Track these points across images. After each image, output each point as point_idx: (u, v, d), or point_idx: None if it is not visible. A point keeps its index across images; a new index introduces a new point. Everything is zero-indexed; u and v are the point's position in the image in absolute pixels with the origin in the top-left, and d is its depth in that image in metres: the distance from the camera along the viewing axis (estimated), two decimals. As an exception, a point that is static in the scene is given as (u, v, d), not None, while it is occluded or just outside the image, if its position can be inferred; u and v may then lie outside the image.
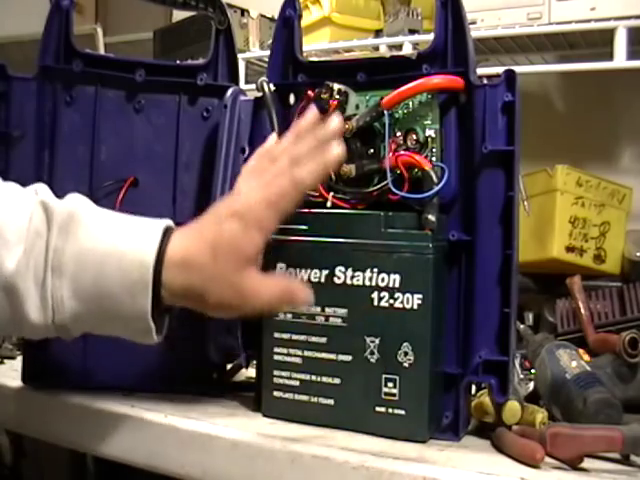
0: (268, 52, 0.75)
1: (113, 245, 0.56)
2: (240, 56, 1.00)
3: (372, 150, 0.67)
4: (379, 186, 0.65)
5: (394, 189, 0.63)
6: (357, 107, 0.68)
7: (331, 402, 0.64)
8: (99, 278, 0.56)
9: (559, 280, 0.90)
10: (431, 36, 0.65)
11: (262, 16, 1.25)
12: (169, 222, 0.58)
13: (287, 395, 0.65)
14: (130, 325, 0.57)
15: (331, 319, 0.64)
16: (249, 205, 0.57)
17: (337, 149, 0.58)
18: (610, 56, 0.92)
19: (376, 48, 1.14)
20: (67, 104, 0.74)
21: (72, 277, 0.56)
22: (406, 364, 0.61)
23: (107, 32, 1.49)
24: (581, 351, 0.73)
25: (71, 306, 0.56)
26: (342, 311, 0.63)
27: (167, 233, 0.57)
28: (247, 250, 0.56)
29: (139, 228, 0.58)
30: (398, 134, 0.66)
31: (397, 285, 0.61)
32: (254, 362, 0.71)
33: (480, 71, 0.66)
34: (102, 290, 0.56)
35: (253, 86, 0.72)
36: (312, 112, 0.60)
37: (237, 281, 0.56)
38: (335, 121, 0.59)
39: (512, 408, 0.62)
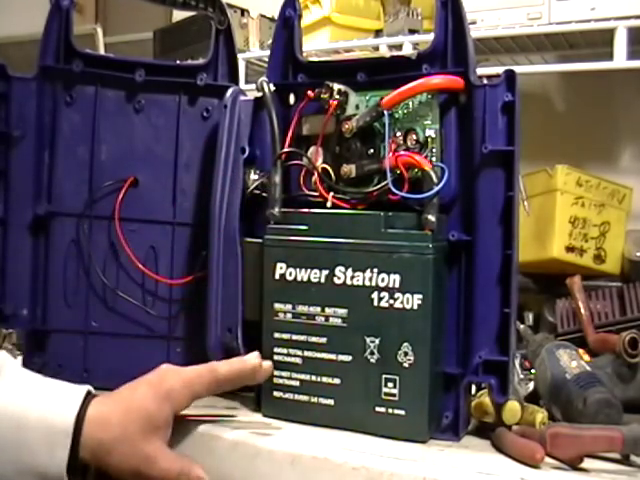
0: (268, 52, 0.75)
1: (36, 401, 0.58)
2: (240, 56, 1.00)
3: (372, 150, 0.67)
4: (379, 186, 0.65)
5: (394, 189, 0.63)
6: (357, 107, 0.68)
7: (331, 402, 0.64)
8: (19, 430, 0.56)
9: (559, 280, 0.90)
10: (431, 36, 0.65)
11: (262, 16, 1.25)
12: (89, 387, 0.60)
13: (287, 395, 0.65)
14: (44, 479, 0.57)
15: (331, 319, 0.64)
16: (163, 377, 0.60)
17: (253, 360, 0.62)
18: (610, 56, 0.92)
19: (376, 48, 1.14)
20: (67, 104, 0.74)
21: None
22: (406, 364, 0.61)
23: (107, 32, 1.49)
24: (581, 351, 0.73)
25: None
26: (342, 311, 0.63)
27: (88, 396, 0.59)
28: (156, 418, 0.59)
29: (63, 390, 0.59)
30: (398, 134, 0.66)
31: (397, 285, 0.61)
32: (254, 362, 0.71)
33: (480, 71, 0.66)
34: (21, 442, 0.56)
35: (253, 86, 0.72)
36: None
37: (141, 445, 0.58)
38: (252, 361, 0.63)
39: (512, 408, 0.62)
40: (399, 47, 1.09)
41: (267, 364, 0.64)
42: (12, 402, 0.57)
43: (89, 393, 0.60)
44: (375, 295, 0.62)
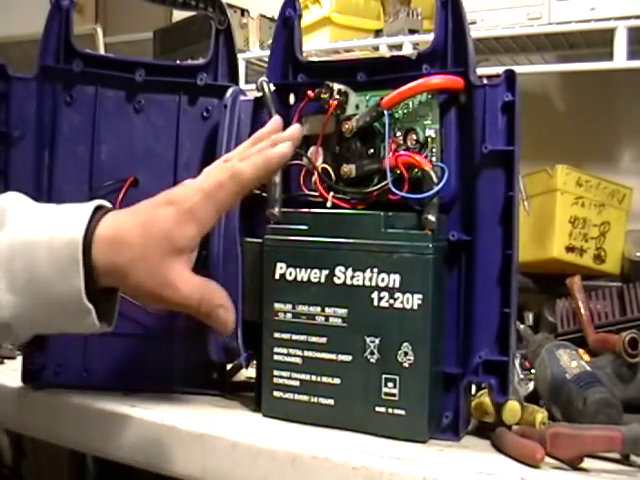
0: (268, 52, 0.75)
1: (43, 231, 0.54)
2: (240, 56, 1.00)
3: (372, 150, 0.67)
4: (379, 186, 0.65)
5: (394, 189, 0.63)
6: (357, 107, 0.68)
7: (331, 402, 0.64)
8: (30, 264, 0.53)
9: (559, 280, 0.90)
10: (431, 36, 0.65)
11: (262, 16, 1.25)
12: (102, 202, 0.57)
13: (287, 395, 0.65)
14: (67, 310, 0.54)
15: (331, 319, 0.64)
16: (185, 194, 0.56)
17: (283, 147, 0.57)
18: (610, 56, 0.92)
19: (376, 48, 1.14)
20: (67, 104, 0.74)
21: (6, 268, 0.54)
22: (406, 364, 0.61)
23: (107, 32, 1.49)
24: (581, 351, 0.73)
25: (9, 300, 0.54)
26: (342, 311, 0.63)
27: (98, 212, 0.56)
28: (178, 240, 0.55)
29: (69, 211, 0.56)
30: (398, 134, 0.66)
31: (397, 285, 0.61)
32: (254, 362, 0.71)
33: (480, 71, 0.66)
34: (34, 276, 0.53)
35: (253, 86, 0.72)
36: (274, 120, 0.60)
37: (162, 269, 0.54)
38: (294, 127, 0.60)
39: (512, 408, 0.62)
40: (399, 47, 1.09)
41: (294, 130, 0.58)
42: (21, 237, 0.54)
43: (98, 208, 0.56)
44: (375, 295, 0.62)
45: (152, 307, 0.58)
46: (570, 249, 0.97)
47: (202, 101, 0.75)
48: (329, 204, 0.66)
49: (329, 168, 0.68)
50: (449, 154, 0.64)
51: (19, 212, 0.56)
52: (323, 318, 0.64)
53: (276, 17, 0.73)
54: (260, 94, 0.70)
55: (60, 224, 0.55)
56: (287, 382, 0.65)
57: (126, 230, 0.55)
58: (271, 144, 0.58)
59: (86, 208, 0.55)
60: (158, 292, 0.55)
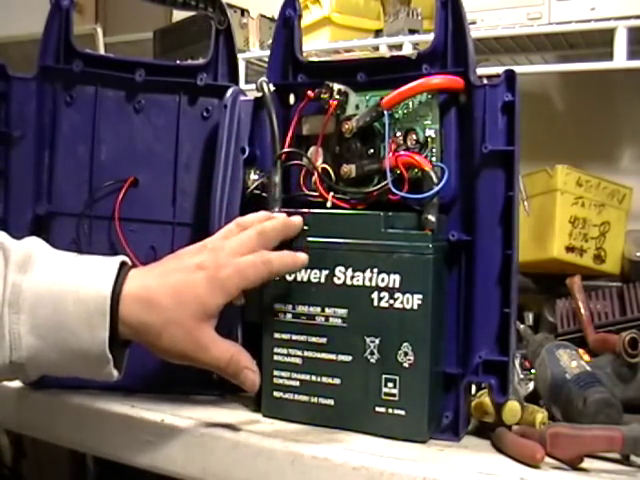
0: (268, 52, 0.75)
1: (70, 281, 0.57)
2: (240, 56, 1.00)
3: (372, 150, 0.67)
4: (379, 186, 0.65)
5: (394, 189, 0.63)
6: (357, 107, 0.68)
7: (331, 402, 0.64)
8: (57, 312, 0.56)
9: (559, 280, 0.90)
10: (431, 36, 0.65)
11: (262, 16, 1.25)
12: (124, 258, 0.60)
13: (287, 395, 0.65)
14: (88, 359, 0.57)
15: (331, 319, 0.64)
16: (217, 262, 0.59)
17: (303, 257, 0.63)
18: (610, 56, 0.92)
19: (376, 48, 1.14)
20: (67, 104, 0.74)
21: (30, 312, 0.56)
22: (406, 364, 0.61)
23: (107, 32, 1.49)
24: (581, 351, 0.73)
25: (28, 342, 0.56)
26: (342, 311, 0.63)
27: (124, 267, 0.59)
28: (209, 305, 0.58)
29: (95, 265, 0.59)
30: (398, 134, 0.66)
31: (397, 285, 0.61)
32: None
33: (480, 71, 0.66)
34: (60, 323, 0.56)
35: (253, 86, 0.72)
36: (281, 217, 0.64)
37: (194, 332, 0.58)
38: (297, 219, 0.64)
39: (512, 408, 0.62)
40: (399, 47, 1.09)
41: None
42: (48, 285, 0.57)
43: (123, 264, 0.59)
44: (375, 295, 0.62)
45: (176, 362, 0.61)
46: (570, 249, 0.97)
47: (202, 101, 0.75)
48: (329, 204, 0.66)
49: (329, 168, 0.68)
50: (449, 154, 0.64)
51: (44, 258, 0.59)
52: (323, 318, 0.64)
53: (276, 17, 0.73)
54: (260, 94, 0.70)
55: (87, 277, 0.57)
56: (287, 382, 0.65)
57: (157, 291, 0.58)
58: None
59: (112, 262, 0.59)
60: (190, 354, 0.59)
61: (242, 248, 0.61)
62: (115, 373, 0.59)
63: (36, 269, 0.58)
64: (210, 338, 0.59)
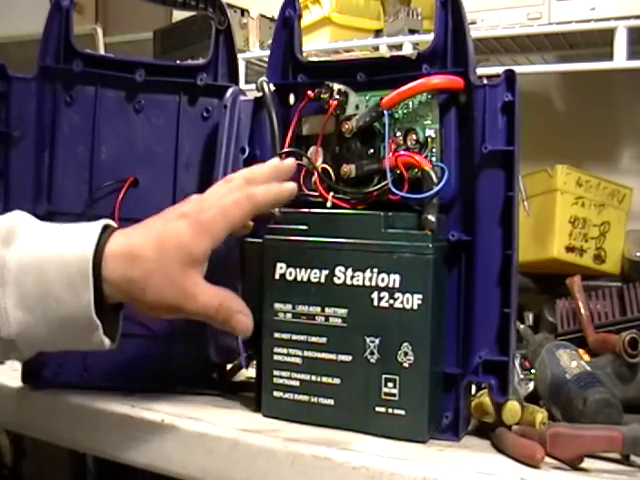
0: (268, 52, 0.75)
1: (53, 247, 0.56)
2: (240, 56, 1.00)
3: (372, 150, 0.67)
4: (379, 186, 0.65)
5: (394, 189, 0.63)
6: (357, 107, 0.68)
7: (331, 402, 0.64)
8: (41, 280, 0.55)
9: (559, 280, 0.90)
10: (431, 36, 0.65)
11: (262, 16, 1.25)
12: (109, 221, 0.59)
13: (287, 395, 0.65)
14: (76, 326, 0.56)
15: (331, 319, 0.64)
16: (200, 208, 0.58)
17: (293, 184, 0.61)
18: (610, 56, 0.92)
19: (376, 48, 1.14)
20: (67, 104, 0.74)
21: (15, 284, 0.55)
22: (406, 364, 0.61)
23: (107, 32, 1.49)
24: (581, 351, 0.73)
25: (16, 316, 0.55)
26: (342, 311, 0.63)
27: (107, 230, 0.57)
28: (194, 251, 0.56)
29: (78, 230, 0.58)
30: (398, 134, 0.66)
31: (397, 285, 0.61)
32: (254, 362, 0.71)
33: (480, 71, 0.66)
34: (44, 291, 0.55)
35: (253, 86, 0.72)
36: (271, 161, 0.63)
37: (179, 280, 0.56)
38: (289, 161, 0.62)
39: (512, 408, 0.62)
40: (399, 47, 1.09)
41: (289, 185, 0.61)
42: (32, 255, 0.56)
43: (106, 227, 0.58)
44: (375, 295, 0.62)
45: (166, 317, 0.59)
46: (570, 249, 0.97)
47: (202, 101, 0.75)
48: (329, 204, 0.66)
49: (329, 168, 0.68)
50: (449, 154, 0.64)
51: (28, 230, 0.58)
52: (323, 318, 0.64)
53: (276, 17, 0.73)
54: (260, 94, 0.70)
55: (69, 242, 0.56)
56: (287, 382, 0.65)
57: (139, 245, 0.56)
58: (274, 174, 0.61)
59: (94, 226, 0.57)
60: (177, 303, 0.56)
61: (227, 193, 0.59)
62: (107, 341, 0.57)
63: (20, 241, 0.56)
64: (197, 285, 0.57)
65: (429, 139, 0.64)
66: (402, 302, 0.61)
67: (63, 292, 0.55)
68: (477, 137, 0.62)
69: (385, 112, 0.64)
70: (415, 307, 0.60)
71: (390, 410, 0.61)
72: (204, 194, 0.61)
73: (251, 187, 0.59)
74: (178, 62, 1.10)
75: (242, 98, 0.72)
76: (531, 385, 0.76)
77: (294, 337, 0.65)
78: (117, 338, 0.59)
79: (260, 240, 0.67)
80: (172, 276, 0.56)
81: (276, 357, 0.66)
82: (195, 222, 0.57)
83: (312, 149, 0.69)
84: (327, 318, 0.64)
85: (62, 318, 0.55)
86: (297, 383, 0.65)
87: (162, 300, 0.56)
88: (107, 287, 0.56)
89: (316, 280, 0.64)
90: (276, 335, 0.66)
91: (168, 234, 0.57)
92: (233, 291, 0.62)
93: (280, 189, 0.60)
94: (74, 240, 0.56)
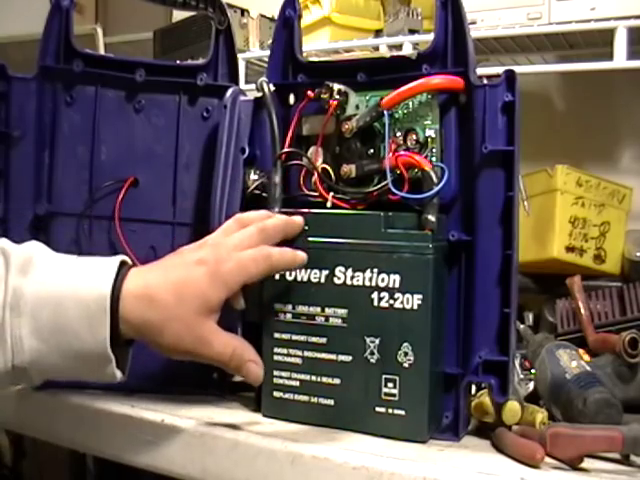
0: (268, 52, 0.75)
1: (70, 282, 0.57)
2: (240, 56, 1.00)
3: (372, 150, 0.67)
4: (379, 186, 0.65)
5: (394, 189, 0.63)
6: (357, 107, 0.68)
7: (331, 402, 0.64)
8: (57, 313, 0.56)
9: (559, 280, 0.90)
10: (431, 36, 0.65)
11: (262, 16, 1.25)
12: (124, 257, 0.60)
13: (287, 395, 0.65)
14: (90, 360, 0.57)
15: (331, 319, 0.64)
16: (218, 257, 0.59)
17: (304, 255, 0.63)
18: (610, 56, 0.92)
19: (376, 48, 1.13)
20: (67, 104, 0.74)
21: (31, 315, 0.56)
22: (406, 364, 0.61)
23: (107, 32, 1.49)
24: (581, 351, 0.73)
25: (30, 345, 0.56)
26: (342, 311, 0.63)
27: (123, 267, 0.59)
28: (211, 300, 0.58)
29: (95, 265, 0.59)
30: (398, 134, 0.66)
31: (397, 285, 0.61)
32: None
33: (480, 71, 0.66)
34: (60, 325, 0.56)
35: (253, 86, 0.72)
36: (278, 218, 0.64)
37: (196, 327, 0.58)
38: (299, 219, 0.64)
39: (512, 408, 0.62)
40: (399, 47, 1.09)
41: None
42: (48, 288, 0.57)
43: (123, 264, 0.59)
44: (375, 295, 0.62)
45: (178, 359, 0.61)
46: (570, 249, 0.97)
47: (202, 101, 0.75)
48: (329, 204, 0.66)
49: (329, 168, 0.68)
50: (449, 154, 0.64)
51: (44, 261, 0.59)
52: (323, 318, 0.64)
53: (276, 17, 0.73)
54: (260, 94, 0.70)
55: (86, 277, 0.58)
56: (287, 382, 0.65)
57: (157, 288, 0.58)
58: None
59: (111, 262, 0.59)
60: (193, 349, 0.58)
61: (243, 244, 0.61)
62: (118, 374, 0.59)
63: (37, 272, 0.58)
64: (212, 333, 0.59)
65: (429, 139, 0.64)
66: (402, 302, 0.61)
67: (80, 327, 0.56)
68: (477, 137, 0.62)
69: (385, 112, 0.64)
70: (415, 307, 0.60)
71: (390, 410, 0.61)
72: (218, 237, 0.62)
73: (266, 246, 0.61)
74: (178, 62, 1.10)
75: (242, 98, 0.72)
76: (531, 385, 0.76)
77: (294, 337, 0.65)
78: (127, 371, 0.60)
79: (260, 240, 0.67)
80: (190, 324, 0.58)
81: (276, 357, 0.66)
82: (213, 272, 0.58)
83: (312, 149, 0.69)
84: (327, 318, 0.64)
85: (77, 351, 0.57)
86: (297, 383, 0.65)
87: (179, 345, 0.58)
88: (123, 325, 0.57)
89: (316, 280, 0.64)
90: (276, 335, 0.66)
91: (187, 281, 0.58)
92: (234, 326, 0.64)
93: (294, 256, 0.63)
94: (92, 276, 0.58)
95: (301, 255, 0.63)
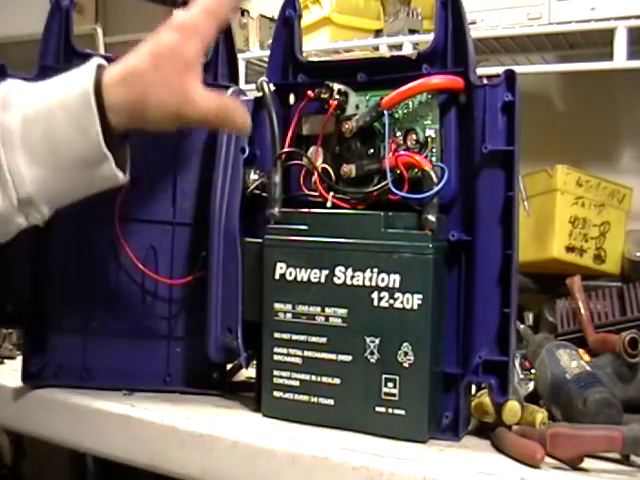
0: (268, 52, 0.75)
1: (51, 95, 0.57)
2: (240, 56, 1.00)
3: (372, 150, 0.67)
4: (379, 186, 0.65)
5: (394, 189, 0.63)
6: (357, 107, 0.68)
7: (331, 402, 0.64)
8: (46, 127, 0.56)
9: (559, 280, 0.90)
10: (431, 36, 0.65)
11: (262, 16, 1.25)
12: (100, 60, 0.60)
13: (287, 395, 0.65)
14: (88, 164, 0.57)
15: (331, 319, 0.64)
16: (187, 15, 0.60)
17: None
18: (610, 56, 0.92)
19: (376, 48, 1.13)
20: (67, 104, 0.74)
21: (22, 143, 0.56)
22: (406, 364, 0.61)
23: (107, 32, 1.49)
24: (581, 351, 0.73)
25: (29, 173, 0.56)
26: (342, 311, 0.63)
27: (101, 68, 0.59)
28: (187, 55, 0.58)
29: (72, 73, 0.59)
30: (398, 134, 0.66)
31: (397, 285, 0.61)
32: (254, 362, 0.71)
33: (480, 71, 0.66)
34: (52, 141, 0.56)
35: (253, 86, 0.72)
36: None
37: (178, 84, 0.58)
38: None
39: (512, 408, 0.62)
40: (399, 47, 1.08)
41: None
42: (32, 109, 0.57)
43: (100, 66, 0.59)
44: (375, 295, 0.62)
45: (170, 127, 0.61)
46: (570, 249, 0.97)
47: (202, 101, 0.75)
48: (329, 204, 0.66)
49: (329, 168, 0.68)
50: (449, 154, 0.64)
51: (23, 92, 0.59)
52: (323, 318, 0.64)
53: (276, 17, 0.73)
54: (260, 94, 0.70)
55: (67, 85, 0.58)
56: (287, 382, 0.65)
57: (134, 64, 0.58)
58: None
59: (88, 64, 0.59)
60: (177, 108, 0.58)
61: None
62: (119, 174, 0.59)
63: (17, 103, 0.58)
64: (195, 90, 0.59)
65: (429, 139, 0.64)
66: (402, 302, 0.61)
67: (70, 132, 0.56)
68: (477, 137, 0.62)
69: (385, 112, 0.64)
70: (415, 307, 0.60)
71: (390, 410, 0.61)
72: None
73: None
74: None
75: (242, 98, 0.72)
76: (531, 385, 0.76)
77: (294, 337, 0.65)
78: (127, 170, 0.60)
79: (260, 240, 0.67)
80: (170, 85, 0.58)
81: (276, 357, 0.66)
82: (184, 29, 0.59)
83: (312, 149, 0.69)
84: (327, 318, 0.64)
85: (74, 159, 0.57)
86: (297, 383, 0.65)
87: (164, 108, 0.58)
88: (112, 115, 0.57)
89: (316, 280, 0.64)
90: (276, 335, 0.66)
91: (159, 45, 0.59)
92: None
93: None
94: (71, 82, 0.58)
95: None
